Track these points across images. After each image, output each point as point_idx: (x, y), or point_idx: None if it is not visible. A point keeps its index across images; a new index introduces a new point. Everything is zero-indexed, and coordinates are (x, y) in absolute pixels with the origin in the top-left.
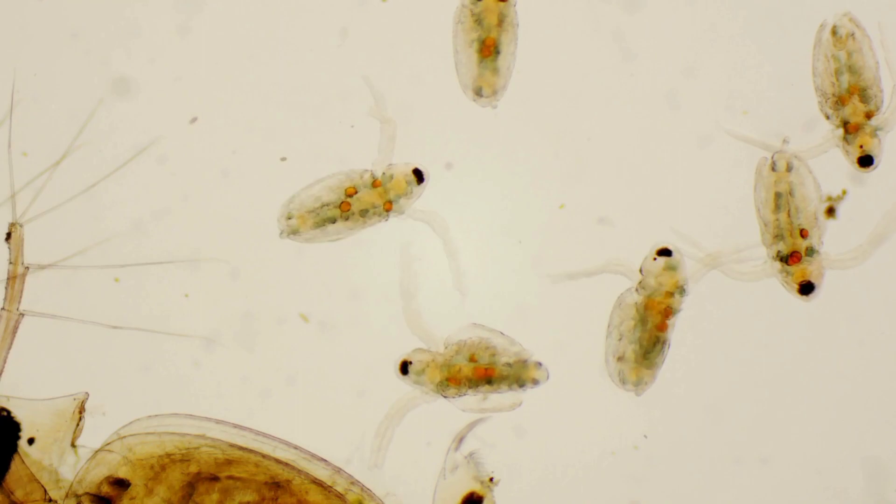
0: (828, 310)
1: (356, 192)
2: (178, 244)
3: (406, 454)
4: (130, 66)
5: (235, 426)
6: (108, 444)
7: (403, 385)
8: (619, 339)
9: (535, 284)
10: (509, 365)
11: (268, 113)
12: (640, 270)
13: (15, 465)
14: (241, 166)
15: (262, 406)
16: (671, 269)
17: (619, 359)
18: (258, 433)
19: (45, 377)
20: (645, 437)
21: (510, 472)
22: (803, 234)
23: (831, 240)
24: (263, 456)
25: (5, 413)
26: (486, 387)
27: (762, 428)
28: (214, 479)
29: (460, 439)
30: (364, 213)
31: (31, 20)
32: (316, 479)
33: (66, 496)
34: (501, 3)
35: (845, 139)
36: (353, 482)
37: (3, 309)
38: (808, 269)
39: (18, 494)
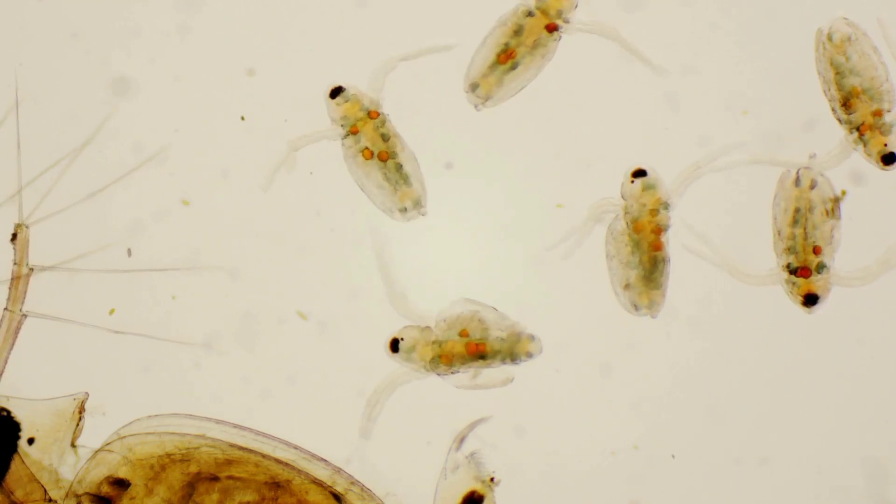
0: (827, 310)
1: (371, 152)
2: (178, 244)
3: (406, 454)
4: (130, 66)
5: (235, 426)
6: (108, 444)
7: (406, 385)
8: (621, 268)
9: (536, 284)
10: (502, 339)
11: (268, 112)
12: (622, 197)
13: (15, 465)
14: (241, 166)
15: (262, 406)
16: (650, 187)
17: (626, 287)
18: (258, 433)
19: (45, 377)
20: (672, 456)
21: (510, 471)
22: (816, 250)
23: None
24: (263, 456)
25: (5, 413)
26: (479, 362)
27: (762, 428)
28: (214, 479)
29: (461, 439)
30: (385, 138)
31: (31, 20)
32: (316, 479)
33: (66, 496)
34: (545, 32)
35: (862, 141)
36: (353, 482)
37: (6, 309)
38: (816, 283)
39: (18, 494)
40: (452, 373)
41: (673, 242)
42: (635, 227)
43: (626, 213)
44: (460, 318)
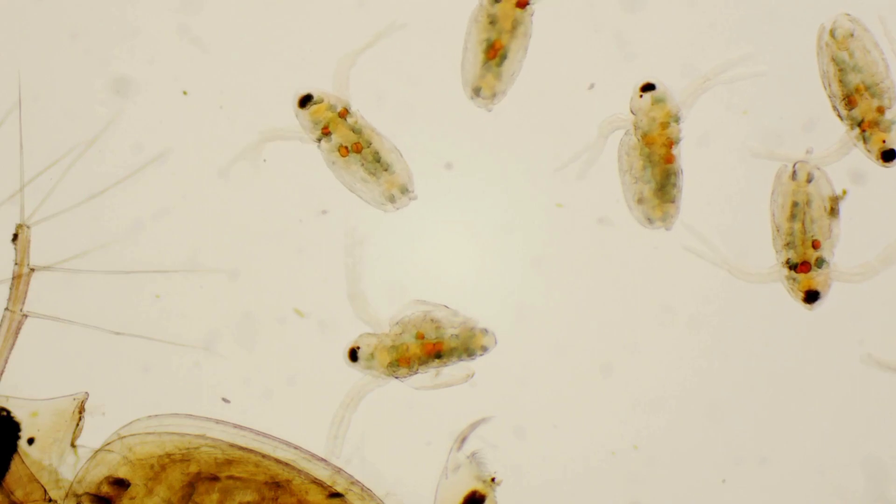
0: (828, 309)
1: (346, 147)
2: (177, 244)
3: (406, 454)
4: (130, 66)
5: (235, 426)
6: (108, 444)
7: (400, 384)
8: (634, 182)
9: (536, 284)
10: (456, 336)
11: (268, 112)
12: (631, 111)
13: (15, 465)
14: (240, 166)
15: (262, 406)
16: (659, 101)
17: (639, 201)
18: (258, 433)
19: (45, 377)
20: (724, 481)
21: (510, 472)
22: (815, 244)
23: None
24: (263, 456)
25: (5, 413)
26: (437, 361)
27: (762, 428)
28: (214, 479)
29: (463, 439)
30: (357, 131)
31: (31, 20)
32: (316, 479)
33: (66, 496)
34: (518, 10)
35: (862, 138)
36: (353, 482)
37: (6, 309)
38: (816, 278)
39: (18, 494)
40: (412, 375)
41: (670, 241)
42: (646, 140)
43: (636, 127)
44: (413, 321)
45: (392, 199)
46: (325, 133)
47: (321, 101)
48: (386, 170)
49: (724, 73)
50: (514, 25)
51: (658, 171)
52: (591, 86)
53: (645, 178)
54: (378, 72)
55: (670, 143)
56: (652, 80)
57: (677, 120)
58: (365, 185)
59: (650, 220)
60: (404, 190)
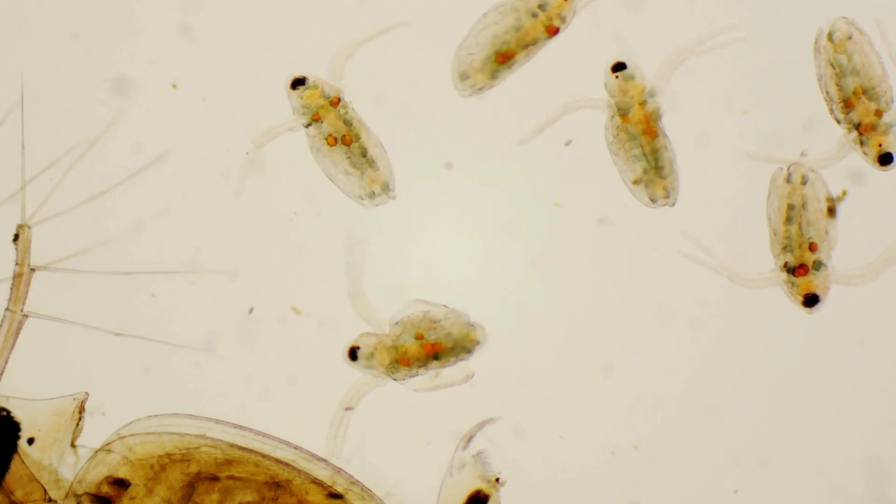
0: (828, 310)
1: (335, 138)
2: (177, 244)
3: (406, 454)
4: (130, 67)
5: (235, 426)
6: (108, 444)
7: (400, 385)
8: (626, 163)
9: (536, 284)
10: (450, 334)
11: (268, 112)
12: (609, 95)
13: (15, 465)
14: (240, 165)
15: (262, 406)
16: (631, 78)
17: (636, 182)
18: (258, 433)
19: (45, 377)
20: (735, 491)
21: (511, 472)
22: (812, 247)
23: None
24: (263, 456)
25: (5, 413)
26: (436, 362)
27: (762, 428)
28: (214, 479)
29: (469, 438)
30: (348, 123)
31: (32, 20)
32: (316, 479)
33: (66, 496)
34: (546, 34)
35: (860, 141)
36: (354, 482)
37: (7, 310)
38: (815, 282)
39: (18, 494)
40: (412, 376)
41: (670, 241)
42: (627, 120)
43: (617, 109)
44: (413, 320)
45: (372, 196)
46: (315, 120)
47: (315, 88)
48: (371, 166)
49: (702, 43)
50: (531, 42)
51: (648, 148)
52: (568, 142)
53: (637, 156)
54: (378, 71)
55: (651, 119)
56: (622, 59)
57: (653, 94)
58: (347, 177)
59: (653, 200)
60: (386, 188)
